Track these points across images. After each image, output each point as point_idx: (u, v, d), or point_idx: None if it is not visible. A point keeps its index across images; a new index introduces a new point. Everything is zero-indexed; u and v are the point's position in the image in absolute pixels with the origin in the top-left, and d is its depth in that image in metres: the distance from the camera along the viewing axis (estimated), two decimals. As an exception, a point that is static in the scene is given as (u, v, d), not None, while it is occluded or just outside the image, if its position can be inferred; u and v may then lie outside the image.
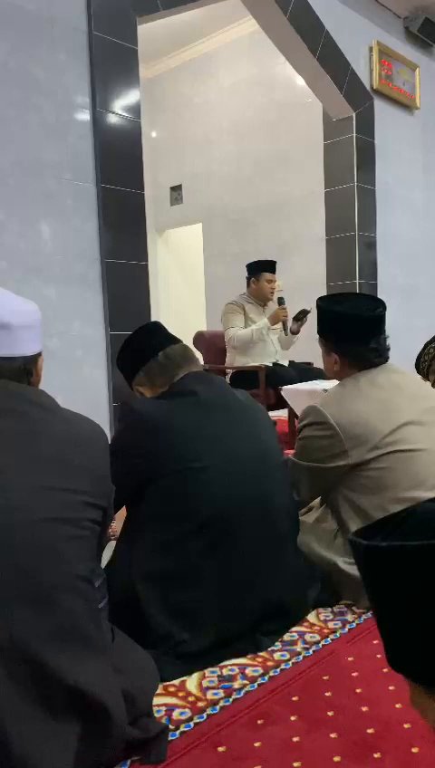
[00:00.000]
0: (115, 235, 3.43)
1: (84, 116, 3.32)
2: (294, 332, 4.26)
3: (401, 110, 5.66)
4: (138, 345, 1.76)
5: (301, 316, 4.19)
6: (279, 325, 4.26)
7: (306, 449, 1.83)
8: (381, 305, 1.88)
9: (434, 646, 0.45)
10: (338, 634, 1.58)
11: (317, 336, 1.95)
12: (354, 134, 5.07)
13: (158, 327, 1.81)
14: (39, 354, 1.22)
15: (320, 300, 1.96)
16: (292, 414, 3.80)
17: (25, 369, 1.17)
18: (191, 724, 1.23)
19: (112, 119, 3.41)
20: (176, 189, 7.07)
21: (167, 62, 6.85)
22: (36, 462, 1.05)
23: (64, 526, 1.03)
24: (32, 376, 1.19)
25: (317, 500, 2.00)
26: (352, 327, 1.85)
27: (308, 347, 4.16)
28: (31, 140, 3.11)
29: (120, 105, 3.44)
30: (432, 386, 2.55)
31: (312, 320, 4.06)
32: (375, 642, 1.53)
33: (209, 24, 6.00)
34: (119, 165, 3.44)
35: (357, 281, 5.17)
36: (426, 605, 0.44)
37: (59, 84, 3.21)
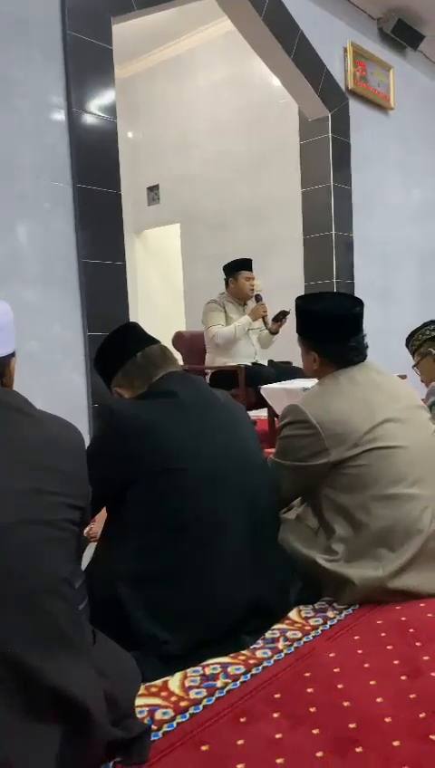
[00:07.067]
0: (92, 236, 3.41)
1: (60, 116, 3.29)
2: (274, 333, 4.29)
3: (377, 111, 5.71)
4: (115, 346, 1.75)
5: (280, 317, 4.21)
6: (259, 323, 4.28)
7: (287, 448, 1.83)
8: (358, 304, 1.90)
9: None
10: (319, 631, 1.59)
11: (296, 335, 1.96)
12: (330, 134, 5.10)
13: (135, 327, 1.81)
14: (11, 355, 1.21)
15: (298, 299, 1.97)
16: (272, 413, 3.82)
17: None
18: (174, 723, 1.23)
19: (88, 119, 3.39)
20: (153, 189, 7.05)
21: (143, 63, 6.83)
22: (11, 464, 1.04)
23: (43, 528, 1.02)
24: (3, 377, 1.18)
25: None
26: (331, 326, 1.86)
27: (287, 346, 4.17)
28: (6, 141, 3.08)
29: (96, 105, 3.43)
30: (415, 365, 2.58)
31: (291, 319, 4.10)
32: (356, 638, 1.55)
33: (185, 24, 5.99)
34: (95, 165, 3.42)
35: (334, 281, 5.20)
36: None
37: (34, 85, 3.18)
